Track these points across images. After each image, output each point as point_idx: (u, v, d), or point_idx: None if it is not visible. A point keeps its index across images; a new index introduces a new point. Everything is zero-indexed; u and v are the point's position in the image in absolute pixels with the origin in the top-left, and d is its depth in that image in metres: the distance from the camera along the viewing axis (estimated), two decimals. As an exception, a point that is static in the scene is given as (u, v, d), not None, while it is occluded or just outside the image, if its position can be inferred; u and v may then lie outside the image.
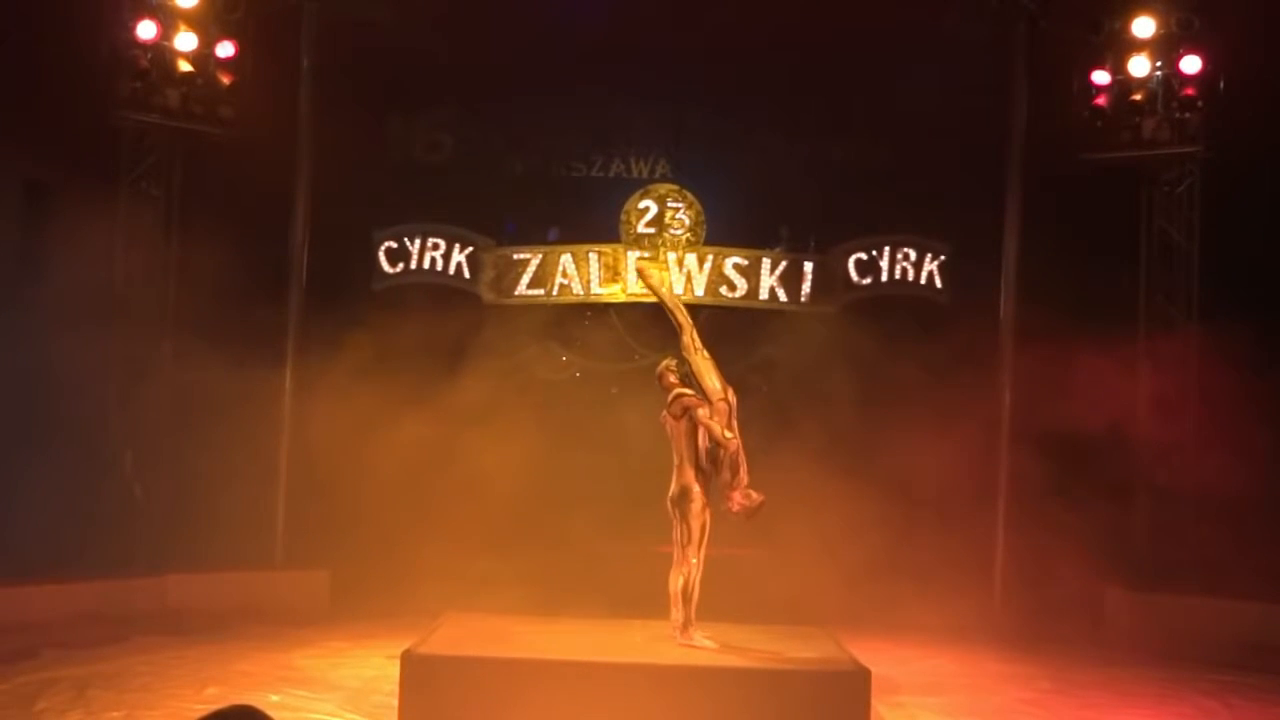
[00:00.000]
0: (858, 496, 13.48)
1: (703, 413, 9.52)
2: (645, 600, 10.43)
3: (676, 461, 9.65)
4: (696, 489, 9.53)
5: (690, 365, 9.80)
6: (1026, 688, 11.20)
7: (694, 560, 9.51)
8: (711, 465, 9.59)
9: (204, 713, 3.97)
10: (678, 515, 9.61)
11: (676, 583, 9.54)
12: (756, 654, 9.41)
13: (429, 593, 13.09)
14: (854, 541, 13.52)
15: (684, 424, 9.58)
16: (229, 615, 13.24)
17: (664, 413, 9.76)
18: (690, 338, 9.83)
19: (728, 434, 9.47)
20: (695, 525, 9.55)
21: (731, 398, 9.71)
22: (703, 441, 9.54)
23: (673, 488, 9.64)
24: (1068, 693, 11.13)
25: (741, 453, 9.56)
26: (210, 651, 11.56)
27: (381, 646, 11.47)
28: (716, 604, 9.87)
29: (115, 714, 9.12)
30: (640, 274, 10.02)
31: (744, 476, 9.57)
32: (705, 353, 9.82)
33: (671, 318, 9.94)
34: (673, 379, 9.82)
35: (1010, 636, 13.40)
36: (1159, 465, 14.49)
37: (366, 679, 10.58)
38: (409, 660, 8.83)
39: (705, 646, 9.46)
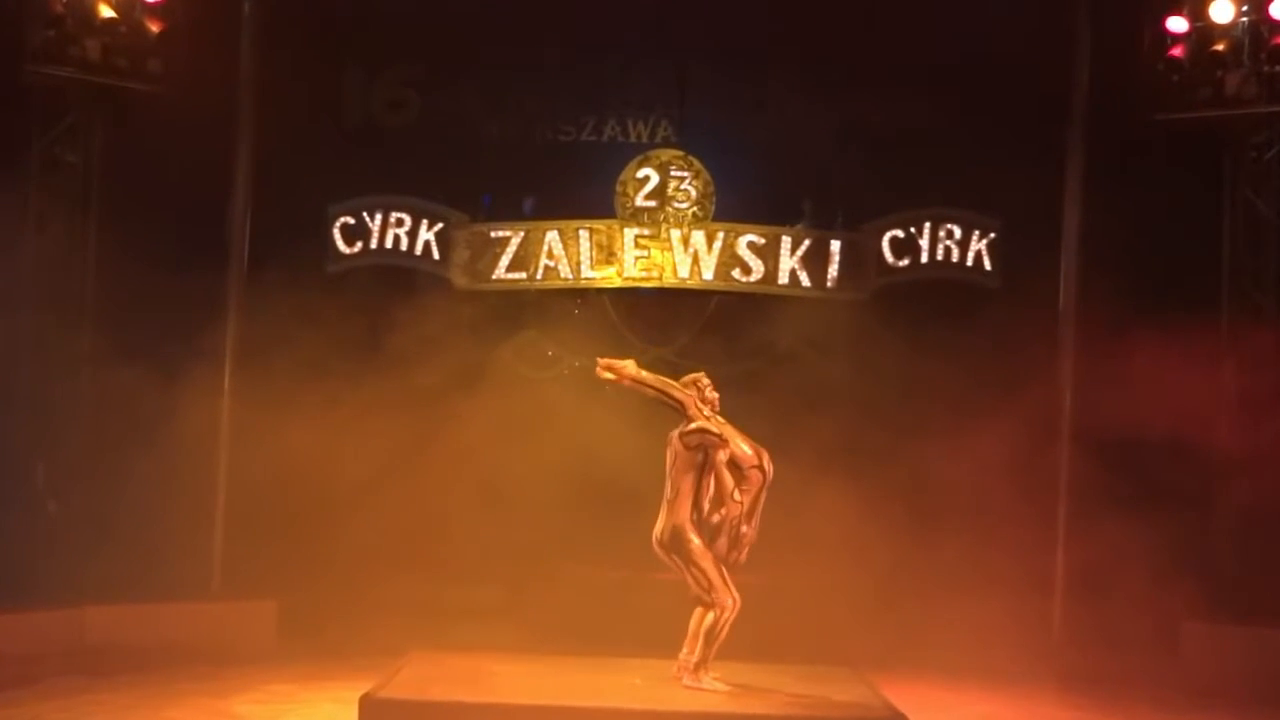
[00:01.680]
0: (893, 513, 13.45)
1: (721, 455, 9.51)
2: (642, 635, 10.42)
3: (670, 496, 9.59)
4: (690, 528, 9.49)
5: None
6: (1091, 736, 11.19)
7: (730, 601, 9.48)
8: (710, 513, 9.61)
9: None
10: (678, 562, 9.57)
11: (704, 619, 9.51)
12: (775, 698, 9.39)
13: (391, 627, 13.08)
14: (888, 566, 13.50)
15: (695, 456, 9.55)
16: (157, 653, 13.18)
17: (673, 434, 9.68)
18: (696, 409, 9.73)
19: (736, 495, 9.48)
20: (707, 565, 9.53)
21: (768, 465, 9.67)
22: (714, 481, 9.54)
23: (660, 528, 9.58)
24: (1139, 742, 11.13)
25: (750, 532, 9.54)
26: (136, 696, 11.52)
27: (336, 689, 11.42)
28: (727, 639, 9.83)
29: (24, 769, 9.12)
30: (609, 370, 9.95)
31: (741, 557, 9.58)
32: (720, 418, 9.77)
33: (666, 401, 9.85)
34: (697, 402, 9.74)
35: (1070, 677, 13.35)
36: (1244, 478, 14.45)
37: (318, 728, 10.57)
38: (368, 706, 8.81)
39: (715, 690, 9.43)
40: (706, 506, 9.61)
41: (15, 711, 10.75)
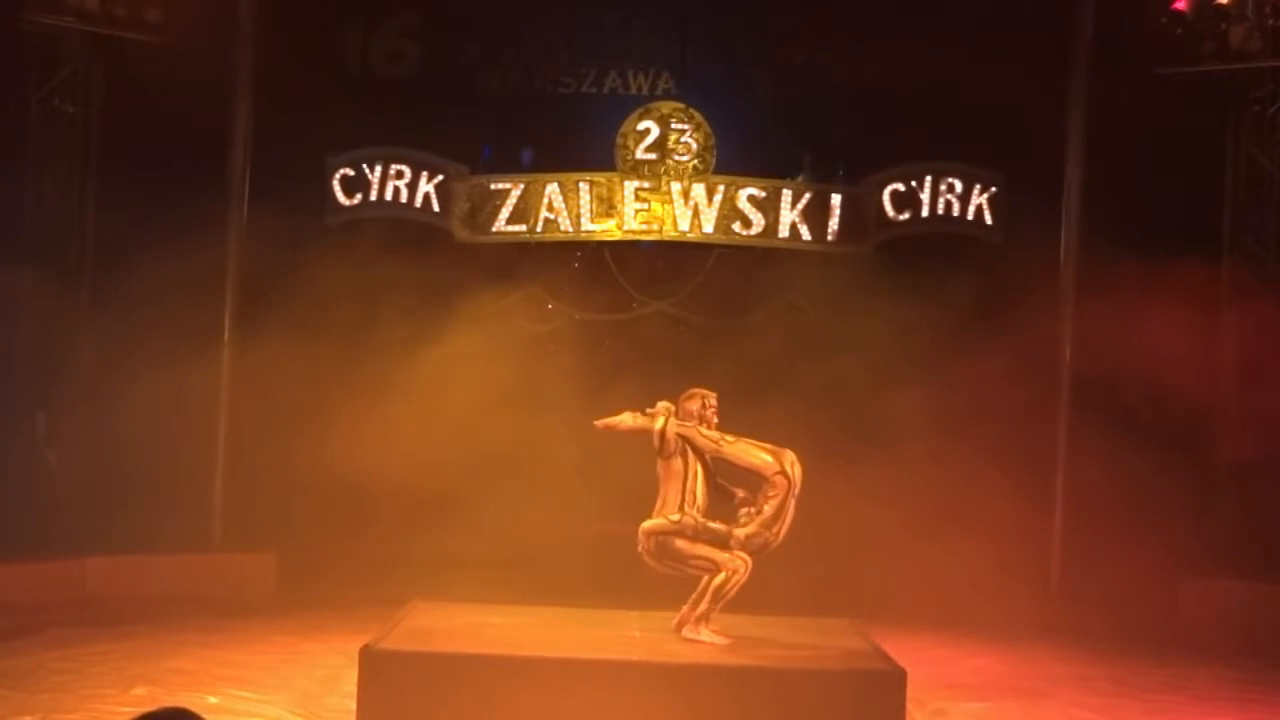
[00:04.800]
0: (892, 468, 13.52)
1: (704, 439, 9.52)
2: (642, 588, 10.47)
3: (659, 507, 9.59)
4: (672, 533, 9.50)
5: (726, 460, 9.68)
6: (1086, 691, 11.27)
7: (740, 565, 9.48)
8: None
9: (131, 716, 4.00)
10: (673, 565, 9.58)
11: (715, 577, 9.53)
12: (773, 650, 9.45)
13: (391, 579, 13.15)
14: (887, 521, 13.57)
15: (675, 464, 9.53)
16: (159, 604, 13.28)
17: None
18: (705, 436, 9.63)
19: (737, 491, 9.55)
20: (701, 551, 9.50)
21: (790, 469, 9.57)
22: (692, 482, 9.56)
23: (647, 536, 9.56)
24: (1134, 696, 11.20)
25: (773, 537, 9.55)
26: (137, 646, 11.60)
27: (336, 641, 11.50)
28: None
29: (28, 718, 9.16)
30: (607, 428, 9.80)
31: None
32: (730, 437, 9.70)
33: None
34: (693, 410, 9.66)
35: (1067, 631, 13.46)
36: (1244, 434, 14.51)
37: (319, 678, 10.64)
38: (368, 657, 8.86)
39: (713, 642, 9.50)
40: (691, 506, 9.58)
41: (18, 661, 10.82)
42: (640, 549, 9.61)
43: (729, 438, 9.69)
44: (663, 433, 9.53)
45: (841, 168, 15.79)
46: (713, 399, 9.76)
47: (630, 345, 15.53)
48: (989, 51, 15.02)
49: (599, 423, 9.80)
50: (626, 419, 9.72)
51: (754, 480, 9.69)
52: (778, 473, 9.56)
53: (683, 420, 9.65)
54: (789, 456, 9.62)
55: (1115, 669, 12.15)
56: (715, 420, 9.71)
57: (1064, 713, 10.60)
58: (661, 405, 9.66)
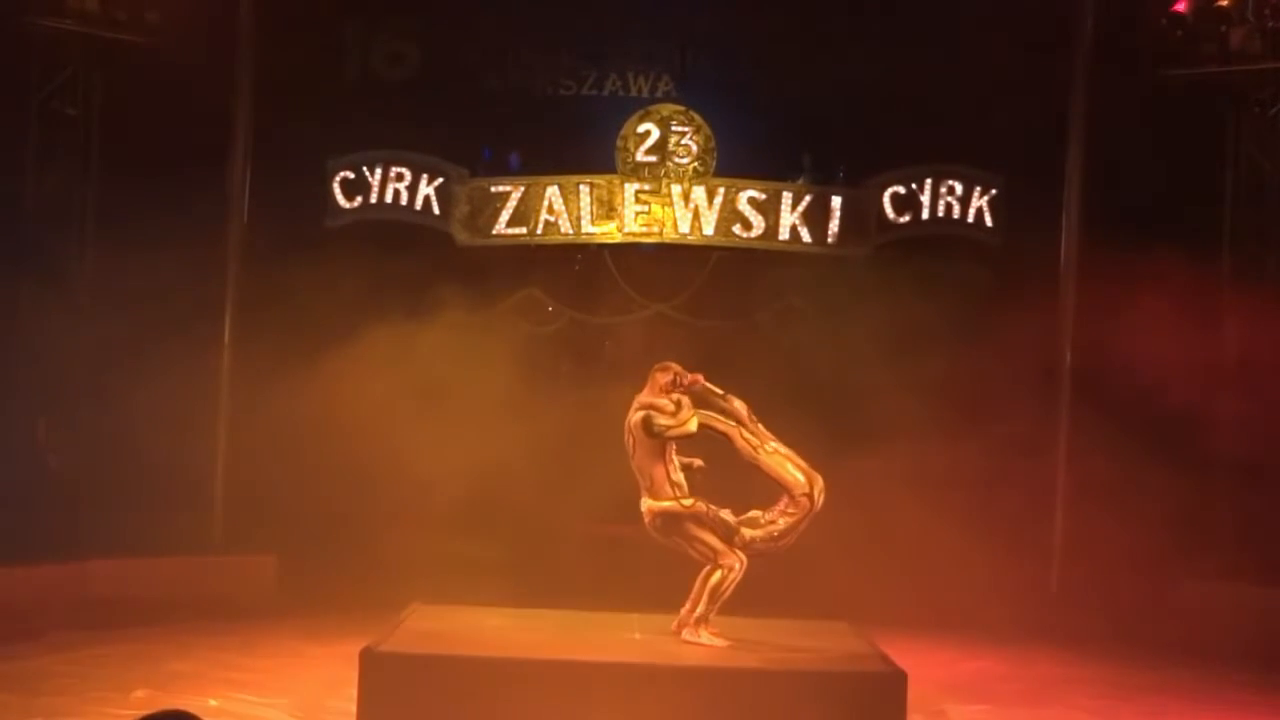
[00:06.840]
0: (892, 470, 13.51)
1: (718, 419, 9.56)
2: (642, 590, 10.49)
3: (646, 485, 9.55)
4: (679, 508, 9.50)
5: (759, 466, 9.71)
6: (1087, 694, 11.30)
7: (736, 563, 9.50)
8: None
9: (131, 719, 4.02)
10: (677, 542, 9.58)
11: (711, 576, 9.55)
12: (774, 653, 9.47)
13: (392, 581, 13.15)
14: (887, 523, 13.57)
15: (656, 442, 9.50)
16: (160, 607, 13.29)
17: (633, 423, 9.58)
18: (744, 439, 9.69)
19: (694, 461, 9.54)
20: (705, 536, 9.53)
21: (818, 495, 9.54)
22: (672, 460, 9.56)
23: (649, 517, 9.55)
24: (1134, 699, 11.23)
25: (777, 549, 9.58)
26: (138, 649, 11.65)
27: (337, 643, 11.49)
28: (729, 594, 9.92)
29: (29, 721, 9.23)
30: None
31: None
32: (771, 444, 9.71)
33: (711, 433, 9.74)
34: (664, 382, 9.64)
35: (1068, 634, 13.47)
36: (1244, 437, 14.51)
37: (320, 681, 10.67)
38: (369, 659, 8.88)
39: (713, 644, 9.51)
40: (679, 477, 9.54)
41: (19, 664, 10.85)
42: (646, 522, 9.61)
43: (768, 446, 9.70)
44: (707, 426, 9.54)
45: (842, 170, 15.79)
46: (686, 377, 9.70)
47: (630, 348, 15.51)
48: (989, 52, 15.04)
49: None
50: (686, 407, 9.58)
51: (746, 473, 9.74)
52: (804, 494, 9.59)
53: (653, 395, 9.60)
54: (819, 483, 9.63)
55: (1115, 671, 12.18)
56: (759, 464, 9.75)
57: (1064, 715, 10.64)
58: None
